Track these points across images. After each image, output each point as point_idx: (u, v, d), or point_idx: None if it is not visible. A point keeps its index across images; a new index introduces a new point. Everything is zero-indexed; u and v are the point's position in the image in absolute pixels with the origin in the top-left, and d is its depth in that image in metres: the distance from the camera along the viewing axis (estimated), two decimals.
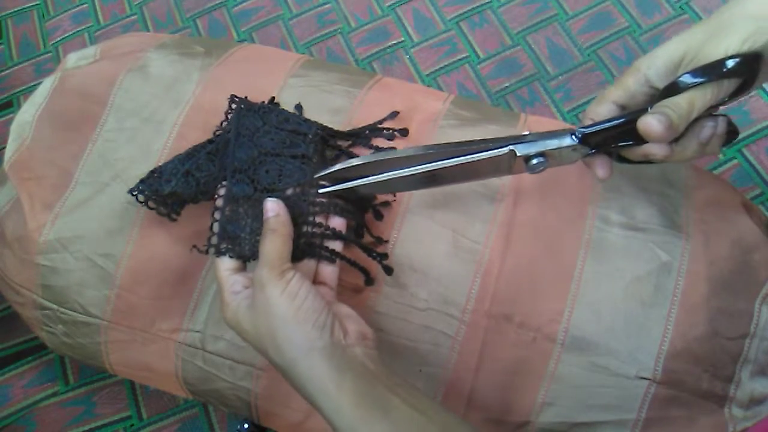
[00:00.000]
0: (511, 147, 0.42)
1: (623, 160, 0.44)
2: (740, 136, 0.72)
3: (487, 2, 0.84)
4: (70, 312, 0.52)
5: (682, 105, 0.38)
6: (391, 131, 0.52)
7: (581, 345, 0.46)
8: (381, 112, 0.53)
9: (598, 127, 0.41)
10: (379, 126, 0.52)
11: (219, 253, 0.44)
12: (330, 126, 0.52)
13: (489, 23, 0.83)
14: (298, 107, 0.53)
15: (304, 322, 0.38)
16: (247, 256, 0.44)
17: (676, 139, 0.40)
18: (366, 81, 0.57)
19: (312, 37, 0.85)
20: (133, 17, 0.90)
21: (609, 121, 0.41)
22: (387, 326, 0.48)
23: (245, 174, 0.46)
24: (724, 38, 0.37)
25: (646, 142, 0.40)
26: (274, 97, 0.54)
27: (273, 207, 0.43)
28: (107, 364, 0.54)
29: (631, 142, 0.42)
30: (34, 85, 0.85)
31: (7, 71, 0.87)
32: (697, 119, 0.39)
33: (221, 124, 0.51)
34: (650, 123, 0.37)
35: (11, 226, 0.53)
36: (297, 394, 0.49)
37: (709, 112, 0.41)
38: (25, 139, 0.55)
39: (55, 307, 0.52)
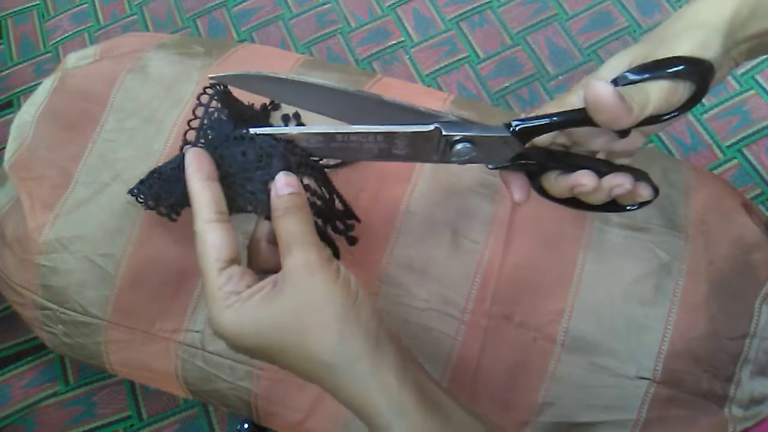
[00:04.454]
0: (437, 125, 0.38)
1: (542, 193, 0.41)
2: (740, 136, 0.72)
3: (487, 2, 0.84)
4: (70, 312, 0.52)
5: (635, 90, 0.34)
6: None
7: (581, 345, 0.46)
8: None
9: (535, 122, 0.37)
10: None
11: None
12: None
13: (489, 23, 0.83)
14: (296, 115, 0.53)
15: (361, 314, 0.33)
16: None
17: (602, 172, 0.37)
18: (366, 81, 0.57)
19: (312, 37, 0.85)
20: (133, 17, 0.90)
21: (547, 116, 0.37)
22: None
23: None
24: (675, 44, 0.35)
25: (577, 170, 0.37)
26: (274, 101, 0.53)
27: (291, 181, 0.36)
28: (107, 364, 0.54)
29: (559, 168, 0.39)
30: (34, 85, 0.85)
31: (7, 71, 0.87)
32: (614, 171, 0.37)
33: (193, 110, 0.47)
34: (599, 87, 0.32)
35: (11, 226, 0.53)
36: (297, 395, 0.49)
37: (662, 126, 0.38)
38: (25, 139, 0.55)
39: (55, 307, 0.52)
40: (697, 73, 0.35)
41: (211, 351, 0.50)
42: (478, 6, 0.84)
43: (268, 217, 0.36)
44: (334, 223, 0.43)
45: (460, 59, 0.81)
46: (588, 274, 0.47)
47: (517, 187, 0.40)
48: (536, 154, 0.39)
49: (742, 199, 0.51)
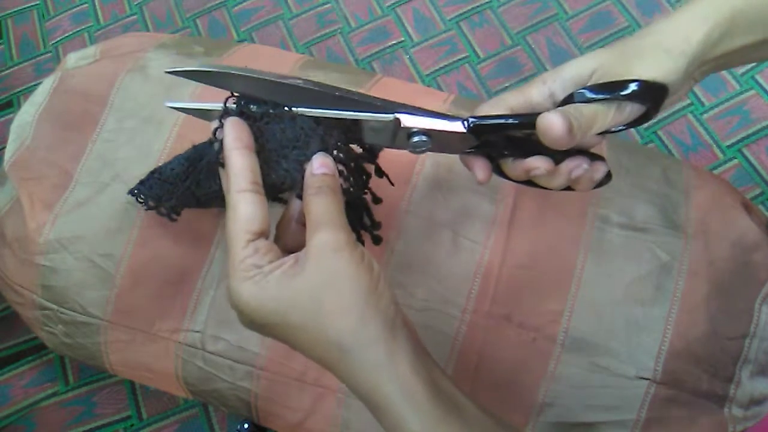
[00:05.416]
0: (396, 115, 0.38)
1: (501, 174, 0.42)
2: (740, 136, 0.72)
3: (487, 2, 0.84)
4: (70, 312, 0.52)
5: (583, 113, 0.35)
6: None
7: (581, 345, 0.46)
8: None
9: (490, 121, 0.39)
10: None
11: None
12: None
13: (489, 23, 0.83)
14: None
15: (381, 300, 0.33)
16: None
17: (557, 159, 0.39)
18: (366, 81, 0.57)
19: (312, 37, 0.85)
20: (133, 17, 0.90)
21: (503, 117, 0.39)
22: None
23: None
24: (636, 63, 0.36)
25: (532, 155, 0.38)
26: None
27: (326, 162, 0.36)
28: (107, 364, 0.54)
29: (514, 154, 0.40)
30: (34, 85, 0.85)
31: (7, 71, 0.87)
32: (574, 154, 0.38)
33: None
34: (552, 120, 0.34)
35: (11, 226, 0.53)
36: (297, 395, 0.49)
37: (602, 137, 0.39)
38: (25, 139, 0.55)
39: (55, 307, 0.52)
40: (651, 97, 0.36)
41: (211, 351, 0.50)
42: (478, 6, 0.84)
43: (300, 196, 0.36)
44: (362, 215, 0.43)
45: (460, 59, 0.81)
46: (588, 274, 0.47)
47: (479, 168, 0.41)
48: (494, 142, 0.40)
49: (742, 199, 0.51)
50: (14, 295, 0.55)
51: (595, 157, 0.39)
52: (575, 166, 0.38)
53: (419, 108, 0.39)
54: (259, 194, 0.35)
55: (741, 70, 0.75)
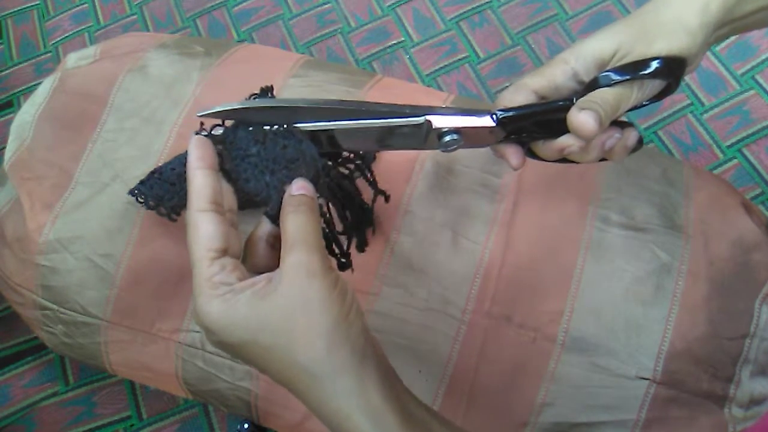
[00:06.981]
0: (427, 117, 0.39)
1: (534, 156, 0.42)
2: (740, 136, 0.72)
3: (487, 2, 0.84)
4: (70, 312, 0.52)
5: (609, 101, 0.36)
6: None
7: (581, 345, 0.46)
8: None
9: (517, 112, 0.39)
10: None
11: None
12: None
13: (489, 23, 0.83)
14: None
15: (352, 329, 0.33)
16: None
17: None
18: (366, 81, 0.57)
19: (312, 37, 0.85)
20: (133, 17, 0.90)
21: (530, 107, 0.39)
22: (386, 327, 0.48)
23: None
24: (657, 40, 0.37)
25: (561, 134, 0.39)
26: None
27: (307, 187, 0.36)
28: (107, 364, 0.54)
29: (545, 136, 0.40)
30: (34, 85, 0.85)
31: (7, 71, 0.87)
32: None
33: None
34: (583, 119, 0.36)
35: (11, 226, 0.53)
36: None
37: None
38: (25, 139, 0.55)
39: (55, 307, 0.52)
40: (672, 72, 0.37)
41: (211, 351, 0.50)
42: (478, 6, 0.84)
43: (272, 218, 0.36)
44: (331, 245, 0.44)
45: (460, 59, 0.81)
46: (588, 275, 0.47)
47: (512, 155, 0.41)
48: (523, 127, 0.40)
49: (742, 199, 0.51)
50: (14, 295, 0.55)
51: (624, 125, 0.40)
52: (608, 137, 0.39)
53: (447, 107, 0.40)
54: (218, 214, 0.34)
55: (741, 70, 0.75)
